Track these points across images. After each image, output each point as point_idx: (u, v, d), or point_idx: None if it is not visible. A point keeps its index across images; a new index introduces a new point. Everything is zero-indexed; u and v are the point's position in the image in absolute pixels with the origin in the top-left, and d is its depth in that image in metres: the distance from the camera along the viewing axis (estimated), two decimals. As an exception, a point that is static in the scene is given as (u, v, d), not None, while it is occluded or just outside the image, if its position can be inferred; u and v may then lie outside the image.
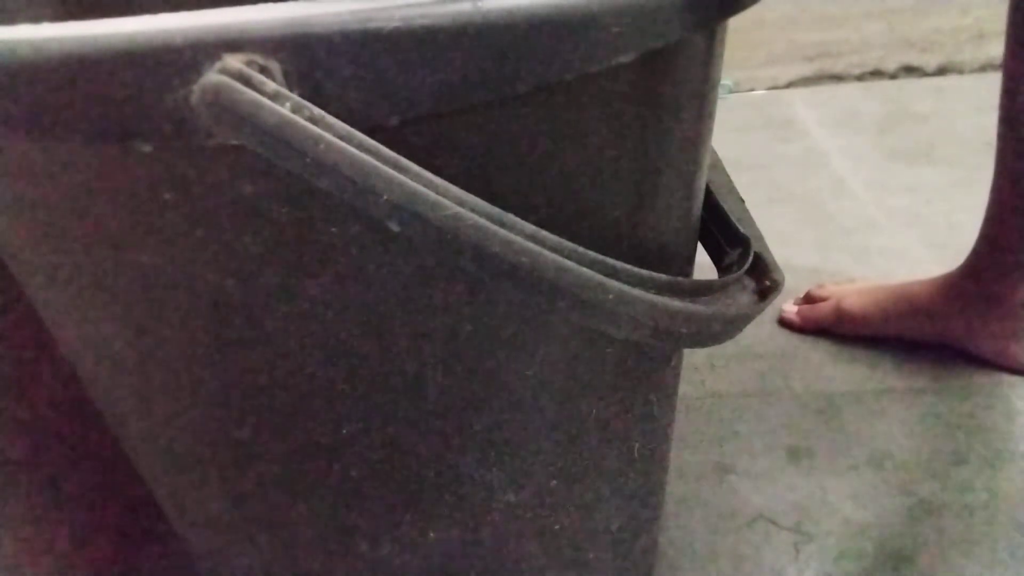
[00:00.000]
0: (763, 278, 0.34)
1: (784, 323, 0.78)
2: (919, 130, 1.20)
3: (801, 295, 0.80)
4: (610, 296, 0.25)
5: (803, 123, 1.26)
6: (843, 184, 1.06)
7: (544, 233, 0.24)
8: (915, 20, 1.40)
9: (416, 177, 0.21)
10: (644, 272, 0.27)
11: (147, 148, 0.22)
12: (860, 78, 1.43)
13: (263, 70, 0.19)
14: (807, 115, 1.29)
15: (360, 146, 0.20)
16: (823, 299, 0.77)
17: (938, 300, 0.69)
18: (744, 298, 0.32)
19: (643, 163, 0.28)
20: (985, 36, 1.37)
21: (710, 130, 0.34)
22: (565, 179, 0.26)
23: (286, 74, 0.20)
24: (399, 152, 0.21)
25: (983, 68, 1.39)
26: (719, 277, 0.33)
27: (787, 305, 0.79)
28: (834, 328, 0.75)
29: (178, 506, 0.38)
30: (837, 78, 1.43)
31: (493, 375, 0.29)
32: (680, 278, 0.29)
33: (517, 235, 0.23)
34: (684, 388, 0.70)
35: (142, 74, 0.19)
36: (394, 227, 0.21)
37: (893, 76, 1.42)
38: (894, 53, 1.41)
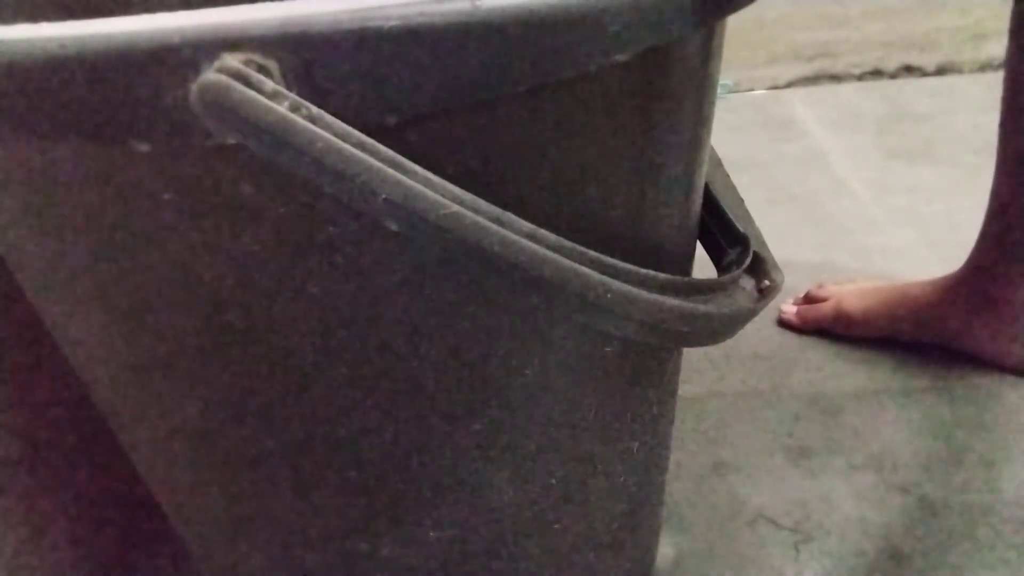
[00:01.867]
0: (762, 277, 0.34)
1: (783, 323, 0.78)
2: (919, 130, 1.19)
3: (801, 295, 0.80)
4: (609, 295, 0.25)
5: (803, 123, 1.26)
6: (843, 184, 1.06)
7: (543, 232, 0.24)
8: (915, 20, 1.40)
9: (415, 176, 0.21)
10: (643, 271, 0.27)
11: (146, 148, 0.22)
12: (860, 78, 1.43)
13: (261, 69, 0.19)
14: (807, 115, 1.29)
15: (359, 145, 0.20)
16: (823, 299, 0.76)
17: (938, 302, 0.69)
18: (743, 297, 0.32)
19: (642, 162, 0.28)
20: (985, 36, 1.37)
21: (709, 129, 0.34)
22: (564, 178, 0.26)
23: (284, 73, 0.20)
24: (398, 151, 0.21)
25: (983, 68, 1.39)
26: (718, 276, 0.33)
27: (786, 305, 0.79)
28: (833, 329, 0.75)
29: (178, 506, 0.38)
30: (837, 78, 1.43)
31: (492, 374, 0.29)
32: (679, 277, 0.29)
33: (516, 234, 0.23)
34: (684, 388, 0.70)
35: (140, 73, 0.19)
36: (393, 226, 0.21)
37: (893, 76, 1.42)
38: (894, 53, 1.41)
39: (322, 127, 0.20)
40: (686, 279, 0.29)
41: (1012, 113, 0.58)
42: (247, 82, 0.19)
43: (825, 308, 0.75)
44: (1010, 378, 0.68)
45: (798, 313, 0.77)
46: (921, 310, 0.70)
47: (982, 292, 0.65)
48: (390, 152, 0.21)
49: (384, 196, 0.20)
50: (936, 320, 0.69)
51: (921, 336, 0.71)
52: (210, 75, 0.19)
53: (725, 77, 1.41)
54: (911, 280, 0.73)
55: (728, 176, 0.41)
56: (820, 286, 0.78)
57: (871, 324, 0.72)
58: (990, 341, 0.67)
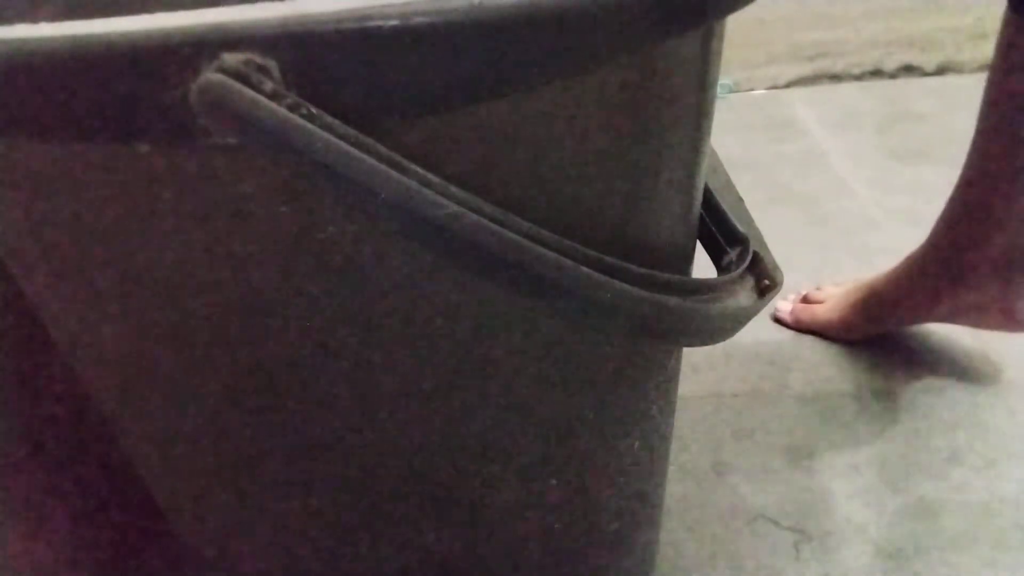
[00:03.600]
0: (762, 277, 0.34)
1: (777, 320, 0.78)
2: (919, 130, 1.19)
3: (799, 294, 0.80)
4: (609, 295, 0.25)
5: (803, 123, 1.26)
6: (843, 184, 1.06)
7: (543, 232, 0.24)
8: (915, 20, 1.40)
9: (414, 176, 0.21)
10: (643, 271, 0.27)
11: (145, 148, 0.22)
12: (860, 78, 1.43)
13: (261, 69, 0.19)
14: (807, 115, 1.29)
15: (358, 144, 0.20)
16: (819, 302, 0.77)
17: (902, 286, 0.69)
18: (743, 297, 0.32)
19: (642, 162, 0.28)
20: (985, 36, 1.37)
21: (709, 129, 0.34)
22: (564, 178, 0.26)
23: (284, 73, 0.20)
24: (397, 151, 0.21)
25: (983, 68, 1.38)
26: (718, 276, 0.34)
27: (782, 302, 0.79)
28: (824, 334, 0.75)
29: (178, 506, 0.38)
30: (837, 78, 1.43)
31: (492, 374, 0.29)
32: (679, 277, 0.29)
33: (516, 234, 0.23)
34: (684, 388, 0.70)
35: (140, 73, 0.19)
36: (392, 226, 0.21)
37: (893, 76, 1.42)
38: (894, 53, 1.41)
39: (322, 127, 0.20)
40: (686, 279, 0.29)
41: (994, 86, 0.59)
42: (247, 82, 0.19)
43: (817, 312, 0.75)
44: (1009, 377, 0.68)
45: (792, 312, 0.77)
46: (889, 298, 0.70)
47: (945, 264, 0.65)
48: (389, 152, 0.21)
49: (383, 196, 0.20)
50: (906, 304, 0.69)
51: (897, 322, 0.71)
52: (210, 75, 0.19)
53: (725, 77, 1.40)
54: (877, 274, 0.73)
55: (728, 176, 0.41)
56: (819, 288, 0.79)
57: (855, 327, 0.73)
58: (961, 312, 0.67)
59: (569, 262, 0.24)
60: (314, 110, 0.20)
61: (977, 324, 0.67)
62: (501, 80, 0.22)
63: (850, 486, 0.59)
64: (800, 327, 0.76)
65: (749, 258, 0.34)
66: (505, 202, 0.23)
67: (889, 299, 0.70)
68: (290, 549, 0.35)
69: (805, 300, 0.78)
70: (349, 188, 0.20)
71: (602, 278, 0.25)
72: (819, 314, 0.75)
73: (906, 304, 0.69)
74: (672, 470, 0.62)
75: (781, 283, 0.34)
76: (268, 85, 0.19)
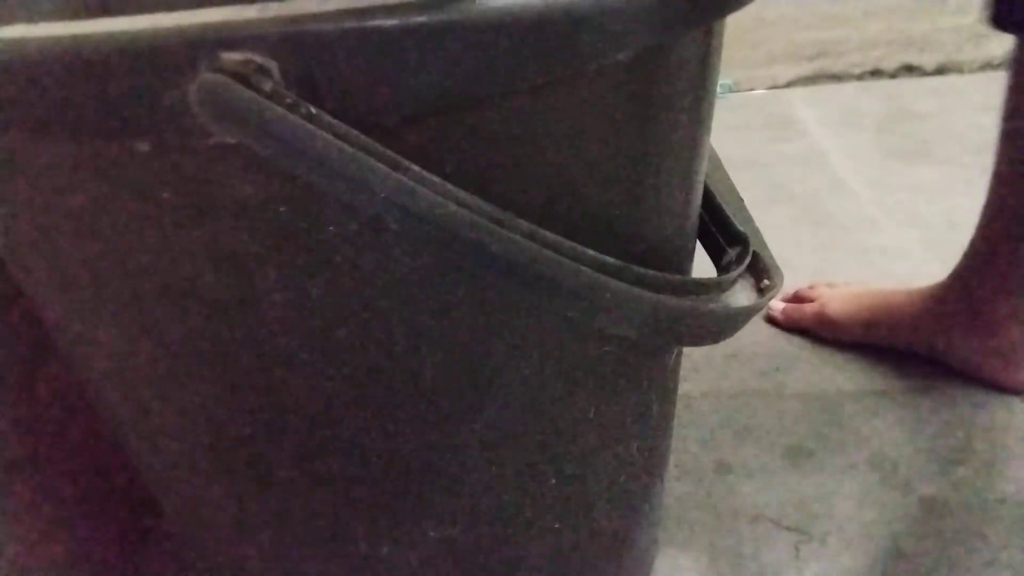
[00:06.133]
0: (761, 277, 0.34)
1: (770, 319, 0.78)
2: (919, 129, 1.19)
3: (790, 293, 0.80)
4: (608, 294, 0.25)
5: (803, 122, 1.26)
6: (843, 183, 1.06)
7: (542, 232, 0.24)
8: (915, 20, 1.40)
9: (414, 176, 0.21)
10: (643, 270, 0.27)
11: (145, 147, 0.22)
12: (860, 77, 1.43)
13: (261, 69, 0.19)
14: (807, 114, 1.29)
15: (357, 144, 0.20)
16: (810, 300, 0.76)
17: (918, 312, 0.68)
18: (743, 296, 0.32)
19: (641, 161, 0.28)
20: (985, 36, 1.37)
21: (708, 128, 0.34)
22: (563, 177, 0.26)
23: (284, 73, 0.20)
24: (397, 151, 0.21)
25: (983, 67, 1.38)
26: (718, 276, 0.34)
27: (775, 301, 0.78)
28: (816, 331, 0.75)
29: (178, 506, 0.38)
30: (837, 77, 1.43)
31: (492, 374, 0.29)
32: (679, 276, 0.29)
33: (515, 233, 0.23)
34: (684, 388, 0.70)
35: (140, 73, 0.19)
36: (392, 225, 0.21)
37: (893, 76, 1.42)
38: (894, 53, 1.41)
39: (321, 127, 0.20)
40: (686, 278, 0.29)
41: (1009, 128, 0.58)
42: (246, 82, 0.19)
43: (808, 309, 0.75)
44: (1010, 378, 0.68)
45: (784, 311, 0.77)
46: (900, 318, 0.69)
47: (963, 304, 0.65)
48: (389, 152, 0.21)
49: (383, 195, 0.20)
50: (918, 332, 0.69)
51: (897, 343, 0.70)
52: (209, 75, 0.19)
53: (725, 77, 1.41)
54: (908, 281, 0.73)
55: (728, 176, 0.41)
56: (812, 286, 0.78)
57: (851, 331, 0.72)
58: (972, 355, 0.66)
59: (568, 262, 0.24)
60: (314, 110, 0.20)
61: (978, 375, 0.67)
62: (501, 80, 0.22)
63: (850, 486, 0.59)
64: (790, 325, 0.76)
65: (749, 258, 0.34)
66: (505, 202, 0.23)
67: (904, 321, 0.69)
68: (290, 548, 0.35)
69: (796, 299, 0.78)
70: (349, 188, 0.20)
71: (602, 278, 0.25)
72: (811, 313, 0.75)
73: (914, 331, 0.69)
74: (672, 470, 0.62)
75: (781, 283, 0.34)
76: (268, 85, 0.19)
